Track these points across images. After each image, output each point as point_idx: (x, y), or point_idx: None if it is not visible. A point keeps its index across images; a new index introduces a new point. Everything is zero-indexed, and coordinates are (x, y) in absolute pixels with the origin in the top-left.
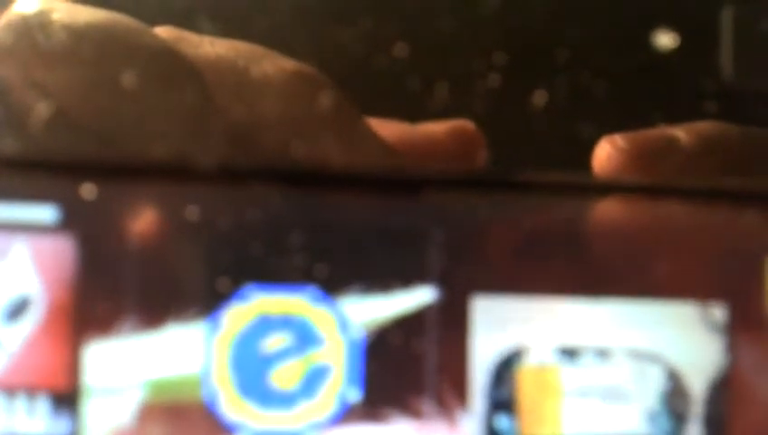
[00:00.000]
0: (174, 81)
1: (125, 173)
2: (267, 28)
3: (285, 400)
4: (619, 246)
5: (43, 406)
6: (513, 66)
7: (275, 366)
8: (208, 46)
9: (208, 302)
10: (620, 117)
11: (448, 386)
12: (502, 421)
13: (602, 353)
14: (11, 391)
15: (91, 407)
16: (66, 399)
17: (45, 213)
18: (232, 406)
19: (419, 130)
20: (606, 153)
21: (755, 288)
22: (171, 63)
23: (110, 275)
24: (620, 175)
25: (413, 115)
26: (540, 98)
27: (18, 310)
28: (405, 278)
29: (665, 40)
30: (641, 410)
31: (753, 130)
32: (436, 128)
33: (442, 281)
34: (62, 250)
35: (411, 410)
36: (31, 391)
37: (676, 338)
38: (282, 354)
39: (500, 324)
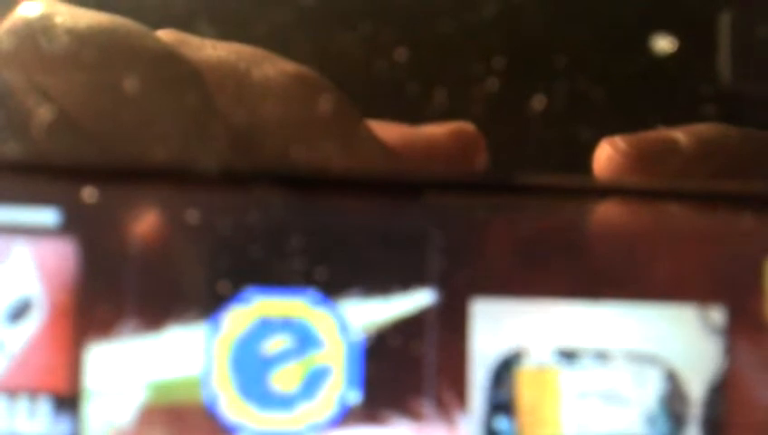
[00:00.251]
0: (175, 84)
1: (126, 176)
2: (268, 32)
3: (285, 401)
4: (617, 248)
5: (44, 408)
6: (513, 70)
7: (275, 368)
8: (210, 49)
9: (209, 304)
10: (619, 120)
11: (448, 388)
12: (501, 423)
13: (601, 356)
14: (12, 392)
15: (92, 409)
16: (67, 401)
17: (47, 216)
18: (232, 408)
19: (420, 133)
20: (606, 155)
21: (754, 290)
22: (173, 67)
23: (111, 277)
24: (620, 176)
25: (413, 118)
26: (539, 101)
27: (20, 312)
28: (404, 281)
29: (663, 44)
30: (640, 413)
31: (752, 132)
32: (436, 130)
33: (441, 283)
34: (63, 253)
35: (411, 412)
36: (32, 392)
37: (675, 340)
38: (282, 356)
39: (499, 327)
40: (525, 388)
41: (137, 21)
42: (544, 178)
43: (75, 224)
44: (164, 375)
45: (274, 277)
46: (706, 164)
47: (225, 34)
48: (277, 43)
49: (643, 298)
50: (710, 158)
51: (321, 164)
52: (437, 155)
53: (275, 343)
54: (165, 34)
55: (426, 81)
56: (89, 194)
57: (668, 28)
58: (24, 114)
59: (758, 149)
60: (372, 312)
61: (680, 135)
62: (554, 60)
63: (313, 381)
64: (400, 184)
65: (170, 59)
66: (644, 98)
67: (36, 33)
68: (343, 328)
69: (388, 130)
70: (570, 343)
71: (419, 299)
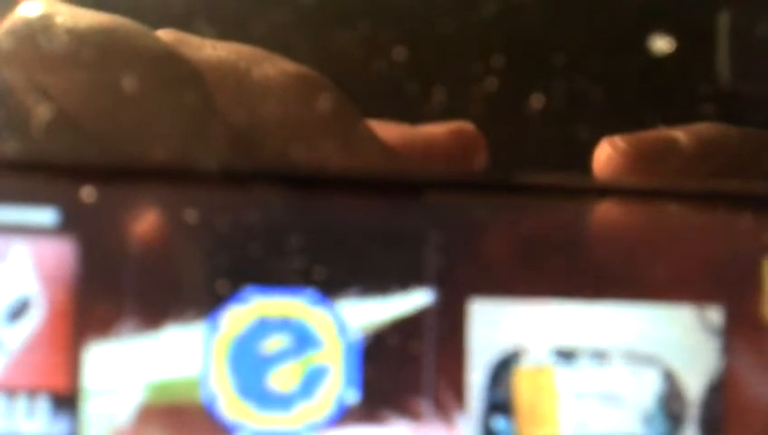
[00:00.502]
0: (175, 84)
1: (125, 176)
2: (267, 31)
3: (284, 401)
4: (616, 247)
5: (42, 407)
6: (513, 69)
7: (274, 368)
8: (210, 49)
9: (207, 304)
10: (618, 120)
11: (446, 387)
12: (499, 423)
13: (599, 355)
14: (11, 392)
15: (90, 408)
16: (66, 400)
17: (46, 215)
18: (231, 407)
19: (419, 132)
20: (606, 154)
21: (752, 291)
22: (173, 66)
23: (109, 277)
24: (620, 176)
25: (413, 118)
26: (539, 101)
27: (18, 312)
28: (403, 280)
29: (662, 43)
30: (637, 412)
31: (751, 131)
32: (436, 130)
33: (440, 283)
34: (62, 252)
35: (409, 412)
36: (31, 392)
37: (673, 340)
38: (280, 356)
39: (497, 326)
40: (523, 387)
41: (136, 21)
42: (544, 177)
43: (74, 223)
44: (163, 375)
45: (273, 277)
46: (706, 164)
47: (224, 34)
48: (277, 43)
49: (641, 298)
50: (709, 157)
51: (321, 163)
52: (437, 155)
53: (274, 343)
54: (165, 34)
55: (425, 80)
56: (88, 193)
57: (667, 28)
58: (24, 113)
59: (757, 149)
60: (370, 311)
61: (680, 135)
62: (554, 59)
63: (312, 380)
64: (400, 184)
65: (170, 59)
66: (643, 97)
67: (36, 32)
68: (342, 328)
69: (387, 130)
70: (567, 343)
71: (418, 299)
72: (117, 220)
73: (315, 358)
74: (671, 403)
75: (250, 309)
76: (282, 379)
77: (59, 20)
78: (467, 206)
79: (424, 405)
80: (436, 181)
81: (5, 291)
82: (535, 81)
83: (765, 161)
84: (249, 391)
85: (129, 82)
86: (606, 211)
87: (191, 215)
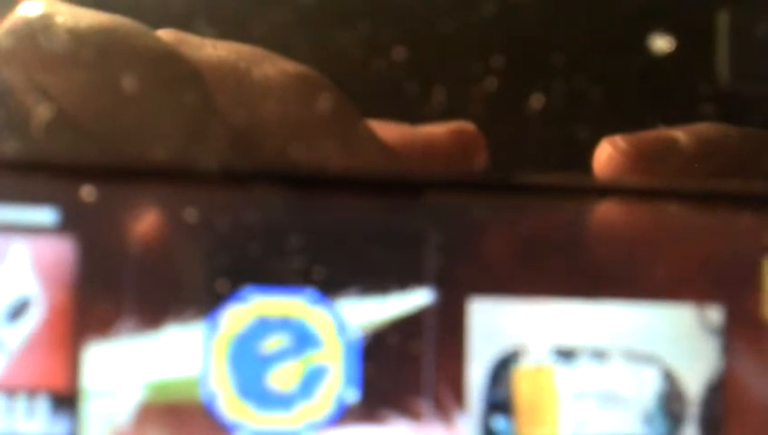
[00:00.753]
0: (175, 83)
1: (125, 175)
2: (267, 31)
3: (283, 400)
4: (616, 247)
5: (42, 407)
6: (513, 69)
7: (273, 367)
8: (210, 49)
9: (207, 303)
10: (618, 120)
11: (446, 387)
12: (499, 422)
13: (599, 355)
14: (11, 391)
15: (90, 408)
16: (66, 400)
17: (45, 215)
18: (230, 407)
19: (419, 132)
20: (606, 154)
21: (752, 290)
22: (173, 66)
23: (109, 276)
24: (621, 176)
25: (413, 118)
26: (539, 101)
27: (18, 311)
28: (402, 280)
29: (662, 43)
30: (637, 412)
31: (751, 131)
32: (436, 130)
33: (439, 282)
34: (61, 252)
35: (409, 411)
36: (30, 391)
37: (673, 340)
38: (280, 355)
39: (497, 326)
40: (523, 387)
41: (136, 20)
42: (544, 177)
43: (74, 223)
44: (162, 374)
45: (273, 276)
46: (706, 164)
47: (224, 34)
48: (277, 43)
49: (641, 297)
50: (709, 157)
51: (321, 163)
52: (437, 155)
53: (273, 342)
54: (165, 34)
55: (425, 80)
56: (88, 193)
57: (667, 28)
58: (24, 113)
59: (757, 149)
60: (370, 311)
61: (680, 135)
62: (553, 59)
63: (311, 380)
64: (400, 184)
65: (170, 58)
66: (643, 97)
67: (36, 32)
68: (341, 327)
69: (387, 130)
70: (567, 342)
71: (417, 298)
72: (117, 220)
73: (315, 357)
74: (671, 403)
75: (250, 308)
76: (281, 378)
77: (59, 20)
78: (467, 206)
79: (424, 405)
80: (436, 181)
81: (5, 291)
82: (535, 81)
83: (765, 161)
84: (249, 390)
85: (129, 82)
86: (606, 211)
87: (191, 214)
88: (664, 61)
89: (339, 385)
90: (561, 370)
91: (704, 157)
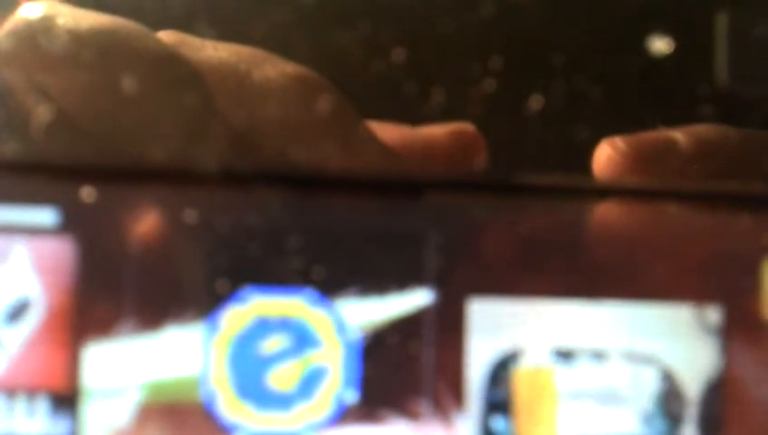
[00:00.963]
0: (176, 85)
1: (125, 176)
2: (267, 32)
3: (283, 401)
4: (615, 248)
5: (42, 407)
6: (512, 70)
7: (273, 368)
8: (211, 50)
9: (207, 304)
10: (617, 120)
11: (445, 388)
12: (498, 423)
13: (598, 355)
14: (11, 392)
15: (90, 408)
16: (65, 400)
17: (45, 216)
18: (230, 407)
19: (419, 133)
20: (606, 155)
21: (751, 291)
22: (173, 68)
23: (109, 277)
24: (620, 177)
25: (412, 118)
26: (538, 101)
27: (18, 312)
28: (402, 280)
29: (661, 44)
30: (636, 412)
31: (750, 132)
32: (436, 131)
33: (439, 283)
34: (61, 253)
35: (408, 412)
36: (30, 392)
37: (672, 340)
38: (279, 356)
39: (496, 326)
40: (522, 387)
41: (137, 22)
42: (544, 177)
43: (74, 224)
44: (162, 375)
45: (272, 277)
46: (705, 164)
47: (224, 35)
48: (277, 44)
49: (640, 298)
50: (709, 158)
51: (321, 164)
52: (437, 155)
53: (273, 343)
54: (166, 36)
55: (425, 81)
56: (87, 194)
57: (666, 28)
58: (25, 114)
59: (756, 150)
60: (370, 311)
61: (679, 136)
62: (553, 59)
63: (311, 380)
64: (399, 184)
65: (171, 60)
66: (643, 98)
67: (37, 33)
68: (341, 328)
69: (387, 131)
70: (566, 343)
71: (417, 299)
72: (117, 221)
73: (314, 358)
74: (670, 403)
75: (249, 309)
76: (281, 379)
77: (60, 21)
78: (467, 206)
79: (423, 405)
80: (435, 181)
81: (5, 291)
82: (535, 81)
83: (764, 162)
84: (248, 390)
85: (129, 83)
86: (605, 211)
87: (191, 215)
88: (663, 62)
89: (338, 385)
90: (560, 370)
91: (703, 158)
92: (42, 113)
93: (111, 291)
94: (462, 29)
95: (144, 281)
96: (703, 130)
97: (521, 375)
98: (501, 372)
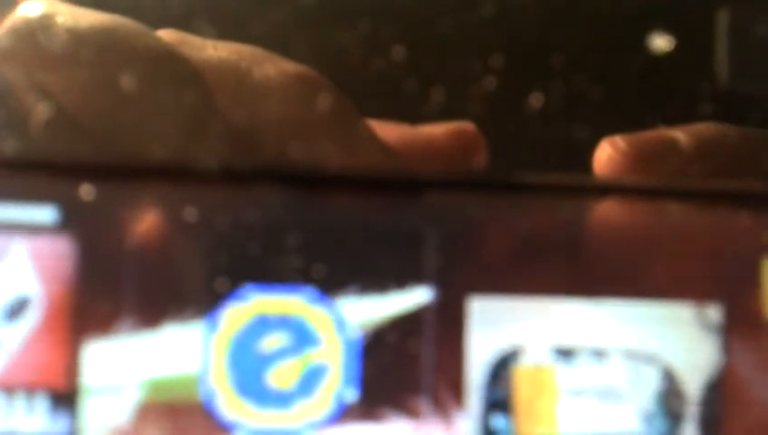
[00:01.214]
0: (175, 83)
1: (125, 174)
2: (267, 31)
3: (283, 399)
4: (615, 246)
5: (41, 405)
6: (512, 69)
7: (273, 366)
8: (211, 49)
9: (206, 302)
10: (617, 119)
11: (445, 386)
12: (498, 421)
13: (598, 354)
14: (10, 390)
15: (89, 406)
16: (65, 398)
17: (45, 214)
18: (229, 405)
19: (419, 132)
20: (606, 154)
21: (751, 289)
22: (173, 66)
23: (108, 275)
24: (621, 176)
25: (412, 118)
26: (538, 101)
27: (17, 310)
28: (402, 279)
29: (661, 42)
30: (637, 411)
31: (750, 131)
32: (436, 129)
33: (439, 281)
34: (61, 251)
35: (408, 410)
36: (30, 390)
37: (672, 338)
38: (279, 354)
39: (496, 325)
40: (522, 386)
41: (136, 20)
42: (544, 177)
43: (73, 221)
44: (161, 373)
45: (272, 275)
46: (705, 163)
47: (224, 34)
48: (277, 43)
49: (640, 296)
50: (709, 157)
51: (320, 163)
52: (437, 154)
53: (273, 341)
54: (165, 34)
55: (425, 80)
56: (87, 192)
57: (666, 27)
58: (24, 112)
59: (756, 149)
60: (369, 309)
61: (679, 135)
62: (553, 59)
63: (311, 378)
64: (399, 183)
65: (170, 58)
66: (642, 97)
67: (36, 31)
68: (340, 326)
69: (387, 130)
70: (567, 342)
71: (417, 297)
72: (116, 219)
73: (314, 356)
74: (671, 401)
75: (249, 307)
76: (281, 377)
77: (59, 19)
78: (467, 205)
79: (423, 403)
80: (435, 180)
81: (5, 289)
82: (535, 80)
83: (764, 161)
84: (248, 388)
85: (129, 82)
86: (605, 210)
87: (191, 213)
88: (663, 60)
89: (338, 384)
90: (560, 369)
91: (703, 156)
92: (41, 111)
93: (111, 289)
94: (462, 29)
95: (144, 279)
96: (703, 128)
97: (521, 373)
98: (501, 370)
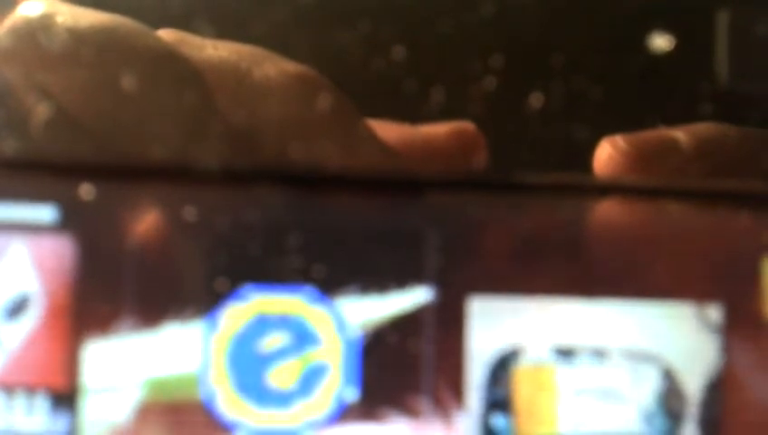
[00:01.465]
0: (175, 83)
1: (125, 174)
2: (267, 31)
3: (283, 399)
4: (615, 246)
5: (41, 404)
6: (512, 69)
7: (273, 365)
8: (211, 49)
9: (206, 301)
10: (617, 119)
11: (445, 385)
12: (498, 421)
13: (598, 353)
14: (10, 389)
15: (89, 405)
16: (65, 397)
17: (45, 213)
18: (229, 405)
19: (420, 132)
20: (607, 154)
21: (751, 289)
22: (173, 66)
23: (108, 274)
24: (621, 175)
25: (413, 118)
26: (539, 101)
27: (17, 309)
28: (402, 278)
29: (661, 42)
30: (637, 410)
31: (750, 131)
32: (436, 129)
33: (439, 281)
34: (61, 250)
35: (408, 410)
36: (30, 389)
37: (673, 338)
38: (279, 354)
39: (496, 324)
40: (522, 385)
41: (137, 20)
42: (544, 177)
43: (73, 221)
44: (161, 372)
45: (272, 275)
46: (705, 163)
47: (224, 34)
48: (277, 43)
49: (641, 296)
50: (709, 157)
51: (321, 163)
52: (437, 154)
53: (272, 341)
54: (166, 34)
55: (425, 80)
56: (87, 192)
57: (666, 27)
58: (24, 112)
59: (756, 148)
60: (370, 309)
61: (679, 134)
62: (553, 59)
63: (311, 378)
64: (399, 182)
65: (170, 58)
66: (642, 97)
67: (37, 31)
68: (340, 325)
69: (387, 130)
70: (567, 341)
71: (417, 297)
72: (116, 218)
73: (314, 356)
74: (671, 401)
75: (249, 307)
76: (281, 376)
77: (59, 19)
78: (467, 205)
79: (423, 403)
80: (436, 180)
81: (5, 288)
82: (535, 80)
83: (764, 161)
84: (248, 388)
85: (129, 82)
86: (606, 210)
87: (191, 213)
88: (663, 60)
89: (338, 383)
90: (560, 369)
91: (703, 156)
92: (41, 111)
93: (111, 288)
94: (462, 28)
95: (143, 279)
96: (703, 128)
97: (521, 373)
98: (501, 370)
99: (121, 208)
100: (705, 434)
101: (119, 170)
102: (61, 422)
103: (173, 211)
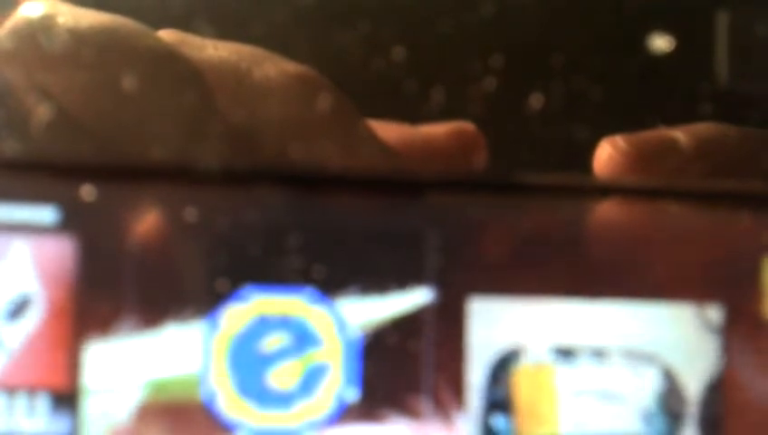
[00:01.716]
0: (176, 83)
1: (125, 175)
2: (267, 31)
3: (283, 399)
4: (615, 246)
5: (42, 405)
6: (512, 69)
7: (273, 366)
8: (211, 49)
9: (207, 302)
10: (618, 120)
11: (445, 386)
12: (498, 421)
13: (598, 354)
14: (11, 390)
15: (90, 406)
16: (66, 398)
17: (46, 214)
18: (230, 405)
19: (419, 132)
20: (606, 154)
21: (752, 289)
22: (173, 66)
23: (109, 275)
24: (621, 176)
25: (412, 118)
26: (539, 101)
27: (18, 310)
28: (402, 279)
29: (661, 43)
30: (637, 411)
31: (750, 131)
32: (436, 130)
33: (439, 282)
34: (62, 251)
35: (408, 410)
36: (31, 390)
37: (672, 339)
38: (280, 354)
39: (496, 325)
40: (522, 386)
41: (137, 21)
42: (544, 177)
43: (74, 222)
44: (162, 373)
45: (272, 275)
46: (705, 163)
47: (224, 34)
48: (277, 43)
49: (641, 296)
50: (709, 157)
51: (321, 163)
52: (437, 155)
53: (273, 341)
54: (166, 34)
55: (425, 80)
56: (88, 192)
57: (666, 28)
58: (25, 113)
59: (756, 149)
60: (370, 310)
61: (679, 135)
62: (553, 59)
63: (311, 378)
64: (399, 183)
65: (171, 59)
66: (642, 97)
67: (37, 32)
68: (341, 326)
69: (387, 130)
70: (567, 342)
71: (417, 297)
72: (117, 219)
73: (315, 356)
74: (671, 402)
75: (250, 307)
76: (281, 377)
77: (60, 20)
78: (467, 206)
79: (423, 404)
80: (436, 181)
81: (6, 289)
82: (535, 80)
83: (764, 161)
84: (249, 389)
85: (129, 82)
86: (606, 211)
87: (191, 214)
88: (663, 61)
89: (339, 384)
90: (560, 369)
91: (703, 156)
92: (42, 112)
93: (112, 289)
94: (462, 28)
95: (144, 279)
96: (703, 128)
97: (521, 374)
98: (501, 370)
99: (122, 209)
100: (705, 434)
101: (119, 171)
102: (62, 423)
103: (173, 212)
